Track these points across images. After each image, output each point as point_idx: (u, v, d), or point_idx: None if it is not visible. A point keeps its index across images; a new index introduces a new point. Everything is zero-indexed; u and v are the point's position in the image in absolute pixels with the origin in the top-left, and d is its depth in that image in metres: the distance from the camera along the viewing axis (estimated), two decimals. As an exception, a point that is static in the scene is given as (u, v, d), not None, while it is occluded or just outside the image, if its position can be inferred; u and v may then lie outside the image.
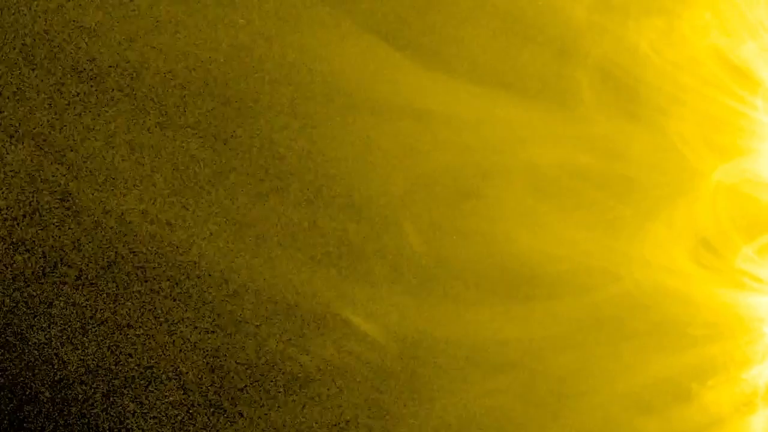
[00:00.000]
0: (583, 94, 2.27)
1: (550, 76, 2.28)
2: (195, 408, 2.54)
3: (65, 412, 2.57)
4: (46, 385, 2.56)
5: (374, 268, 2.42)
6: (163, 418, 2.55)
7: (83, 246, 2.46)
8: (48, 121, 2.39)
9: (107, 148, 2.40)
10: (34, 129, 2.40)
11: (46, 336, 2.53)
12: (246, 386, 2.52)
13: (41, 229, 2.46)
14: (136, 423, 2.56)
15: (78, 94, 2.37)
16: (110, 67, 2.35)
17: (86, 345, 2.53)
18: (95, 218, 2.43)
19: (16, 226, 2.45)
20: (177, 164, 2.39)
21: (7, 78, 2.37)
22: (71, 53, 2.35)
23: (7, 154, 2.41)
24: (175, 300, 2.47)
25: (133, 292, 2.48)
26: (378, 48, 2.29)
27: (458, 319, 2.43)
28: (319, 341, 2.47)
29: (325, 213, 2.40)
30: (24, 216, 2.44)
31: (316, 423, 2.52)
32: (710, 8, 2.22)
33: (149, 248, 2.44)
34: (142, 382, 2.54)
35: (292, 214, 2.41)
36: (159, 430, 2.56)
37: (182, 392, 2.53)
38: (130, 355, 2.52)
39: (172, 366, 2.52)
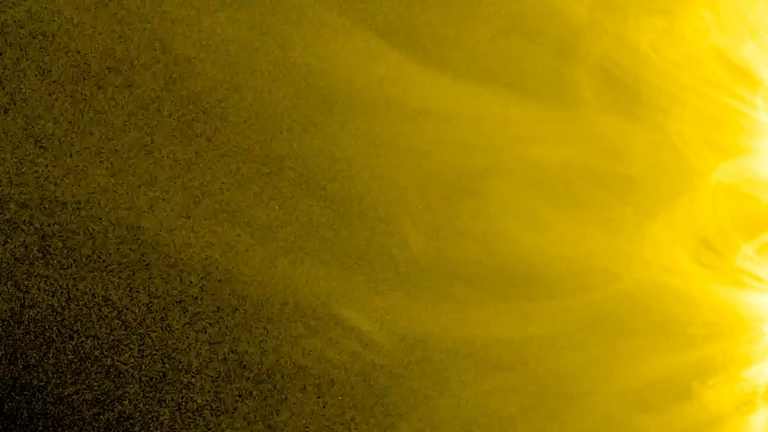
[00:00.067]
0: (584, 93, 2.28)
1: (550, 75, 2.28)
2: (195, 408, 2.54)
3: (65, 412, 2.57)
4: (46, 385, 2.56)
5: (374, 268, 2.42)
6: (163, 418, 2.55)
7: (84, 246, 2.45)
8: (48, 121, 2.39)
9: (107, 149, 2.40)
10: (34, 129, 2.40)
11: (47, 336, 2.53)
12: (246, 386, 2.52)
13: (41, 229, 2.46)
14: (136, 423, 2.56)
15: (78, 94, 2.38)
16: (109, 68, 2.35)
17: (86, 345, 2.53)
18: (96, 219, 2.43)
19: (17, 225, 2.45)
20: (177, 164, 2.39)
21: (7, 78, 2.37)
22: (71, 53, 2.35)
23: (8, 153, 2.41)
24: (175, 300, 2.47)
25: (133, 291, 2.48)
26: (378, 47, 2.30)
27: (458, 319, 2.43)
28: (319, 341, 2.47)
29: (325, 213, 2.40)
30: (24, 216, 2.44)
31: (316, 423, 2.52)
32: (710, 8, 2.22)
33: (150, 248, 2.44)
34: (141, 382, 2.54)
35: (292, 214, 2.41)
36: (159, 429, 2.55)
37: (182, 392, 2.53)
38: (131, 355, 2.52)
39: (172, 366, 2.52)
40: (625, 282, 2.36)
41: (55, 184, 2.42)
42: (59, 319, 2.51)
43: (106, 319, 2.50)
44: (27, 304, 2.51)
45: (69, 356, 2.54)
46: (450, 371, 2.46)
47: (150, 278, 2.46)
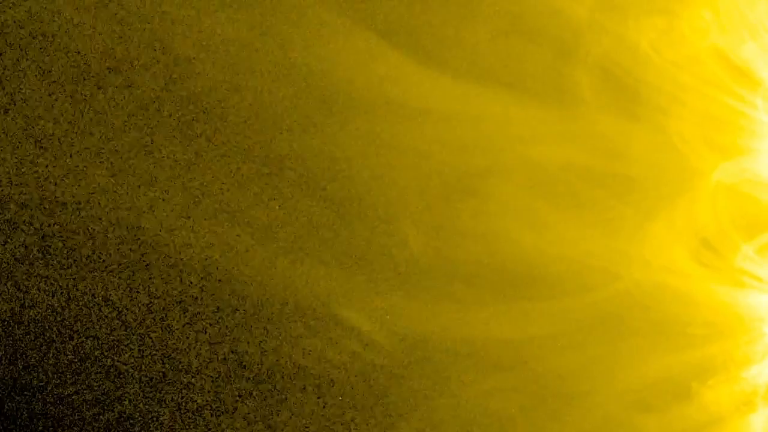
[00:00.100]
0: (584, 93, 2.28)
1: (550, 75, 2.28)
2: (195, 408, 2.54)
3: (65, 412, 2.57)
4: (46, 385, 2.56)
5: (374, 268, 2.42)
6: (163, 418, 2.55)
7: (84, 246, 2.45)
8: (48, 121, 2.39)
9: (107, 149, 2.40)
10: (34, 129, 2.40)
11: (47, 336, 2.53)
12: (246, 386, 2.52)
13: (41, 230, 2.45)
14: (136, 423, 2.56)
15: (78, 94, 2.38)
16: (109, 68, 2.35)
17: (86, 345, 2.53)
18: (96, 219, 2.43)
19: (17, 225, 2.45)
20: (177, 164, 2.39)
21: (7, 78, 2.37)
22: (71, 53, 2.35)
23: (8, 153, 2.41)
24: (175, 300, 2.47)
25: (133, 291, 2.48)
26: (378, 47, 2.30)
27: (458, 319, 2.43)
28: (319, 341, 2.47)
29: (325, 213, 2.40)
30: (24, 216, 2.44)
31: (316, 423, 2.52)
32: (710, 8, 2.22)
33: (150, 248, 2.44)
34: (141, 382, 2.54)
35: (292, 214, 2.41)
36: (159, 430, 2.55)
37: (182, 392, 2.53)
38: (131, 355, 2.52)
39: (172, 366, 2.52)
40: (625, 282, 2.36)
41: (55, 184, 2.42)
42: (59, 319, 2.51)
43: (106, 319, 2.50)
44: (27, 304, 2.51)
45: (69, 356, 2.54)
46: (450, 371, 2.46)
47: (150, 278, 2.46)
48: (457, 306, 2.42)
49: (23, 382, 2.56)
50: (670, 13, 2.23)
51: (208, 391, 2.52)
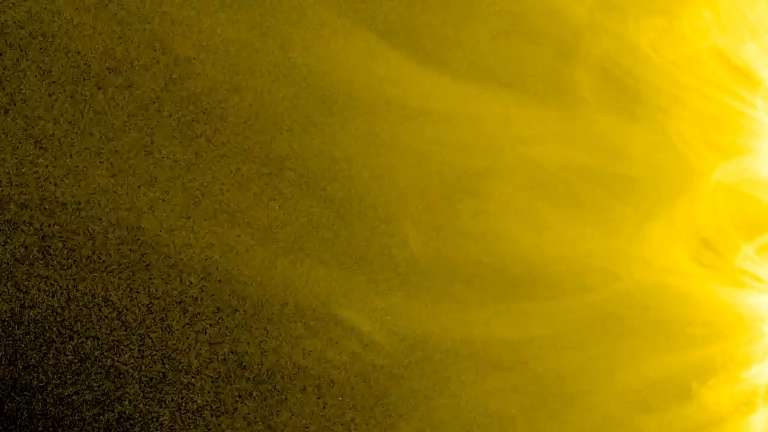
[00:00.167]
0: (584, 93, 2.28)
1: (550, 75, 2.28)
2: (195, 408, 2.54)
3: (65, 413, 2.57)
4: (46, 385, 2.56)
5: (374, 268, 2.42)
6: (163, 418, 2.55)
7: (84, 246, 2.45)
8: (48, 121, 2.39)
9: (107, 149, 2.40)
10: (34, 129, 2.40)
11: (47, 336, 2.53)
12: (246, 386, 2.52)
13: (41, 230, 2.45)
14: (136, 423, 2.56)
15: (78, 94, 2.38)
16: (109, 68, 2.35)
17: (86, 345, 2.53)
18: (96, 219, 2.43)
19: (17, 226, 2.45)
20: (177, 165, 2.39)
21: (7, 78, 2.37)
22: (71, 54, 2.35)
23: (8, 154, 2.41)
24: (175, 300, 2.47)
25: (133, 292, 2.48)
26: (378, 47, 2.30)
27: (458, 319, 2.43)
28: (319, 342, 2.47)
29: (325, 213, 2.40)
30: (24, 216, 2.44)
31: (316, 423, 2.52)
32: (710, 8, 2.22)
33: (150, 248, 2.44)
34: (141, 382, 2.54)
35: (292, 215, 2.41)
36: (159, 430, 2.55)
37: (182, 392, 2.53)
38: (131, 356, 2.52)
39: (172, 366, 2.52)
40: (625, 282, 2.36)
41: (55, 184, 2.42)
42: (59, 319, 2.51)
43: (106, 320, 2.50)
44: (27, 304, 2.51)
45: (69, 356, 2.53)
46: (450, 371, 2.46)
47: (150, 278, 2.46)
48: (457, 306, 2.42)
49: (23, 382, 2.56)
50: (670, 13, 2.23)
51: (208, 392, 2.52)
